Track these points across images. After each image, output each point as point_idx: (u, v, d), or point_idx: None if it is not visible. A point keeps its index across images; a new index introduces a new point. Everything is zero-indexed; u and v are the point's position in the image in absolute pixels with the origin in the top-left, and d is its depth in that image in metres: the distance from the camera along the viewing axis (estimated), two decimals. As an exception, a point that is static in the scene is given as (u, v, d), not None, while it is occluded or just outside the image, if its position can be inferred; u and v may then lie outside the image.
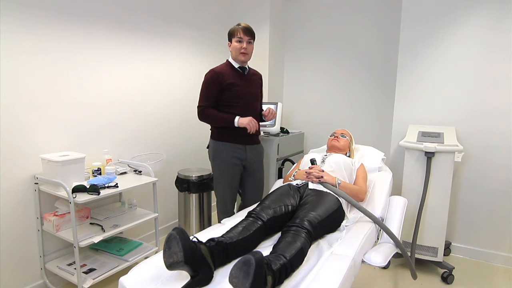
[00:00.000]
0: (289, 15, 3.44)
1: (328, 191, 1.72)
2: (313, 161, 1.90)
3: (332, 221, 1.60)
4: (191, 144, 2.99)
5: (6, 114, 1.80)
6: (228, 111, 2.09)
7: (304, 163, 2.04)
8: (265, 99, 3.25)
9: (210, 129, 2.22)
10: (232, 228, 1.44)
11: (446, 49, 2.43)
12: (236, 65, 2.14)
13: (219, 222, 1.84)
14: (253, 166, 2.22)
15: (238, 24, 2.10)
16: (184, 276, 1.19)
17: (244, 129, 2.05)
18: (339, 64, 3.23)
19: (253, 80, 2.22)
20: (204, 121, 2.15)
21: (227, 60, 2.17)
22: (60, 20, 1.98)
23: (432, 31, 2.45)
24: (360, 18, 3.06)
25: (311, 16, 3.31)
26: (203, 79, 2.11)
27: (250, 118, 2.04)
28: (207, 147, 2.24)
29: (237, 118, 2.04)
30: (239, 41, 2.06)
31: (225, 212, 2.21)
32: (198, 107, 2.12)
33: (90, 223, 2.04)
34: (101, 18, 2.20)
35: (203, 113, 2.10)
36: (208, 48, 3.12)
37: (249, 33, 2.08)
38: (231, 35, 2.11)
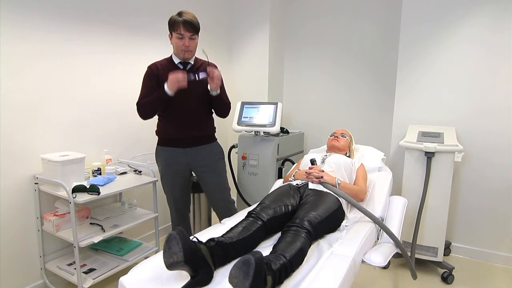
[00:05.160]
0: (289, 15, 3.44)
1: (328, 191, 1.72)
2: (313, 161, 1.90)
3: (332, 221, 1.60)
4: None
5: (6, 114, 1.80)
6: (164, 115, 1.98)
7: (304, 163, 2.04)
8: (265, 99, 3.26)
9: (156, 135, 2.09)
10: (232, 228, 1.43)
11: (446, 49, 2.43)
12: (176, 61, 1.95)
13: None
14: (199, 171, 2.07)
15: (179, 14, 1.83)
16: (184, 276, 1.19)
17: (183, 130, 1.96)
18: (338, 64, 3.23)
19: (195, 77, 1.96)
20: (144, 115, 1.92)
21: (171, 55, 1.99)
22: (60, 22, 1.99)
23: (432, 31, 2.45)
24: (360, 18, 3.06)
25: (311, 16, 3.31)
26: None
27: (174, 73, 1.78)
28: None
29: (165, 85, 1.81)
30: (180, 38, 1.84)
31: (172, 220, 2.18)
32: (136, 103, 1.91)
33: (90, 223, 2.04)
34: (101, 18, 2.20)
35: (138, 106, 1.90)
36: (208, 48, 3.11)
37: (192, 27, 1.83)
38: (171, 27, 1.86)
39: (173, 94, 1.81)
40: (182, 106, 1.94)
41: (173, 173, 2.05)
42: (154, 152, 2.11)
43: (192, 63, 1.99)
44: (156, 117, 2.05)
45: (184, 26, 1.82)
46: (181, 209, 2.17)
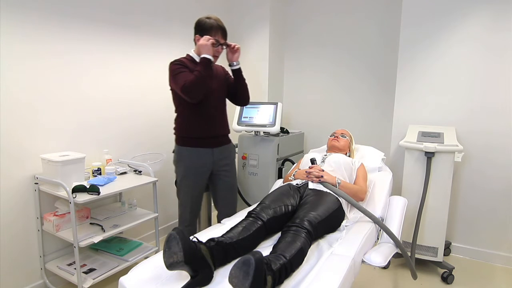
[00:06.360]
0: (289, 15, 3.44)
1: (328, 191, 1.72)
2: (313, 161, 1.90)
3: (332, 221, 1.60)
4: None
5: (6, 114, 1.80)
6: (189, 114, 1.92)
7: (304, 163, 2.04)
8: (265, 99, 3.26)
9: (174, 134, 2.02)
10: (232, 228, 1.44)
11: (446, 49, 2.43)
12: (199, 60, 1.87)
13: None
14: (221, 170, 2.05)
15: (208, 17, 1.86)
16: (184, 276, 1.19)
17: (210, 129, 1.95)
18: (339, 64, 3.23)
19: (215, 77, 1.96)
20: (197, 91, 1.77)
21: (188, 55, 1.95)
22: (59, 22, 1.98)
23: (432, 31, 2.45)
24: (360, 18, 3.06)
25: (311, 16, 3.31)
26: (169, 69, 1.88)
27: (205, 37, 1.80)
28: (173, 151, 2.05)
29: (201, 55, 1.79)
30: (215, 43, 1.85)
31: (184, 220, 2.09)
32: (181, 86, 1.76)
33: (90, 223, 2.04)
34: (100, 19, 2.20)
35: (186, 85, 1.75)
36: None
37: (226, 36, 1.91)
38: (206, 30, 1.85)
39: (212, 58, 1.81)
40: (208, 105, 1.94)
41: (197, 173, 1.99)
42: (175, 152, 2.02)
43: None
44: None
45: (222, 34, 1.89)
46: (196, 209, 2.12)
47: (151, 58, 2.59)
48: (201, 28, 1.88)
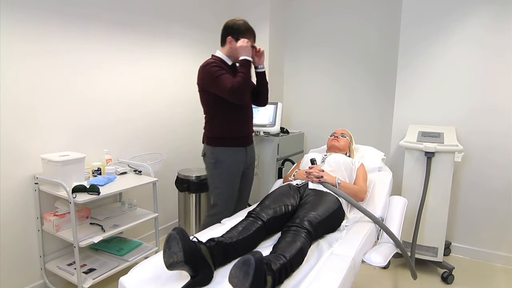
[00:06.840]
0: (289, 15, 3.44)
1: (328, 191, 1.72)
2: (313, 161, 1.90)
3: (332, 221, 1.60)
4: (191, 144, 2.99)
5: (6, 114, 1.80)
6: (224, 114, 1.92)
7: (304, 163, 2.04)
8: (265, 99, 3.26)
9: (205, 135, 2.02)
10: (232, 228, 1.44)
11: (446, 50, 2.43)
12: (229, 62, 1.96)
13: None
14: (248, 167, 2.11)
15: (238, 20, 1.93)
16: (184, 276, 1.19)
17: (244, 128, 2.00)
18: (339, 64, 3.23)
19: None
20: (245, 92, 1.81)
21: (214, 55, 1.97)
22: (59, 21, 1.98)
23: (432, 32, 2.45)
24: (360, 18, 3.06)
25: (311, 16, 3.31)
26: (205, 72, 1.87)
27: (244, 40, 1.85)
28: (203, 155, 2.05)
29: (241, 56, 1.83)
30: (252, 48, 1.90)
31: (213, 222, 1.96)
32: (230, 88, 1.76)
33: (90, 223, 2.04)
34: (101, 18, 2.20)
35: (235, 88, 1.76)
36: (209, 48, 3.10)
37: (255, 38, 1.99)
38: (242, 33, 1.89)
39: (252, 60, 1.88)
40: (246, 104, 1.98)
41: (236, 173, 2.01)
42: (211, 154, 1.97)
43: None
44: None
45: (254, 37, 1.96)
46: (230, 208, 2.06)
47: (151, 58, 2.59)
48: (236, 30, 1.90)
